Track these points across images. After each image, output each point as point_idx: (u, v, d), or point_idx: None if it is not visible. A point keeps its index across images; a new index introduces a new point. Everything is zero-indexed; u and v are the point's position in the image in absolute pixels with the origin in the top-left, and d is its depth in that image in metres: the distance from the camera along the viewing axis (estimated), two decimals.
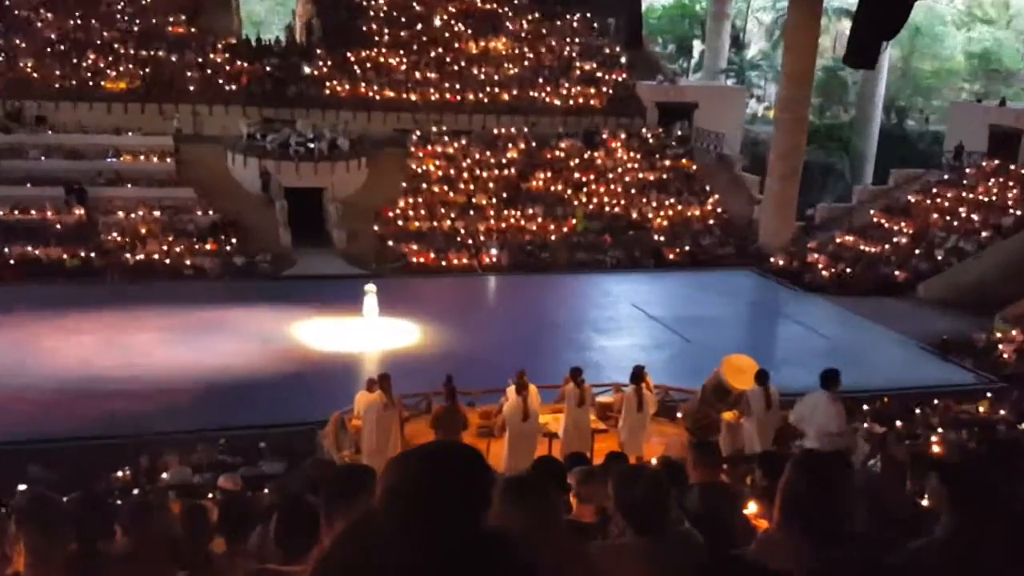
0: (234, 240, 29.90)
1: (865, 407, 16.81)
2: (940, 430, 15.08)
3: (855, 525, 5.01)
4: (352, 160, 33.99)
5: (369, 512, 1.54)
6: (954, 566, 2.90)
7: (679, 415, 15.15)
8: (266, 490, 11.42)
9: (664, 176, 37.33)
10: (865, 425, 15.52)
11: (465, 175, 35.38)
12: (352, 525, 1.54)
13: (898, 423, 15.39)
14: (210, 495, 9.94)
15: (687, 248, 32.99)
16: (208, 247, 29.43)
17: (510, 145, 37.23)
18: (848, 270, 30.33)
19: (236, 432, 16.39)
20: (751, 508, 4.05)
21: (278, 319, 23.91)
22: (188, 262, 28.69)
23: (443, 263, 30.60)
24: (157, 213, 30.42)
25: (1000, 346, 23.31)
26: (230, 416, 17.29)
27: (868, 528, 5.05)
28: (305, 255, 30.42)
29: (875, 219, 33.91)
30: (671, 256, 32.66)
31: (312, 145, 33.51)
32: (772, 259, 31.93)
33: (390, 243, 31.21)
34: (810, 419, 10.88)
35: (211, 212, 30.95)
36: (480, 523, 1.58)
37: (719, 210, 35.91)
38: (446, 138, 36.79)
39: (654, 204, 35.54)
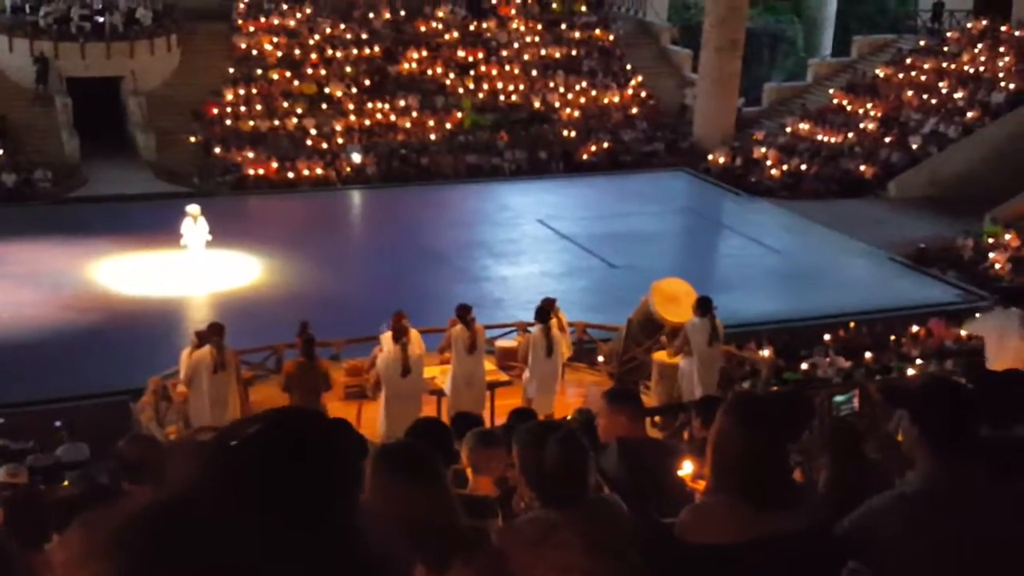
0: (0, 151, 28.93)
1: (827, 336, 17.55)
2: (920, 361, 15.92)
3: (827, 483, 5.28)
4: (158, 38, 33.03)
5: (188, 494, 1.55)
6: (927, 526, 3.08)
7: (600, 359, 15.50)
8: (66, 482, 11.28)
9: (573, 52, 37.41)
10: (828, 359, 16.21)
11: (313, 56, 34.75)
12: (167, 501, 1.56)
13: (868, 355, 16.12)
14: None
15: (605, 145, 33.33)
16: None
17: (371, 15, 36.62)
18: (803, 167, 31.23)
19: (19, 409, 16.00)
20: (687, 468, 4.22)
21: (67, 256, 23.28)
22: None
23: (289, 175, 30.17)
24: None
25: (991, 254, 24.43)
26: (10, 388, 16.86)
27: (832, 485, 5.34)
28: (100, 169, 29.63)
29: (835, 100, 34.86)
30: (585, 157, 32.94)
31: (102, 19, 32.38)
32: (710, 156, 32.57)
33: (217, 150, 30.62)
34: (996, 346, 10.13)
35: None
36: (335, 519, 1.61)
37: (643, 95, 36.29)
38: (285, 6, 36.01)
39: (561, 90, 35.65)
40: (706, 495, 3.28)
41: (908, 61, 35.39)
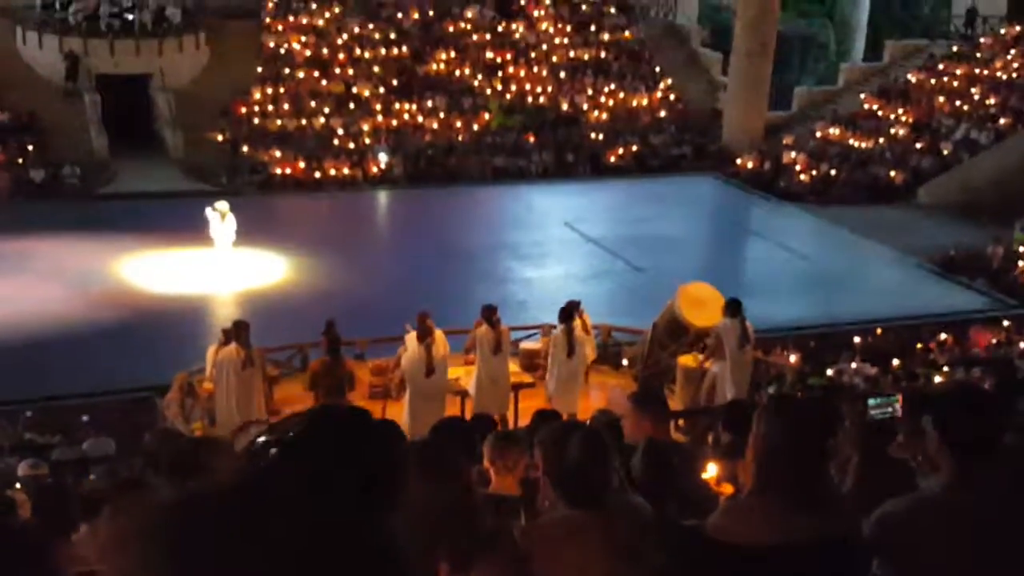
0: (30, 147, 29.10)
1: (857, 340, 17.47)
2: (945, 368, 15.82)
3: (855, 484, 5.30)
4: (187, 36, 33.18)
5: (237, 486, 1.60)
6: (945, 530, 3.11)
7: (625, 362, 15.49)
8: (91, 476, 11.38)
9: (602, 54, 37.38)
10: (854, 365, 16.15)
11: (341, 56, 34.86)
12: (214, 492, 1.60)
13: (894, 361, 16.04)
14: (17, 485, 9.85)
15: (633, 149, 33.28)
16: None
17: (399, 15, 36.70)
18: (832, 172, 31.08)
19: (46, 404, 16.13)
20: (711, 471, 4.25)
21: (95, 253, 23.42)
22: None
23: (317, 175, 30.28)
24: None
25: (1021, 263, 24.26)
26: (37, 383, 17.00)
27: (859, 486, 5.35)
28: (128, 166, 29.75)
29: (866, 105, 34.68)
30: (612, 160, 32.90)
31: (131, 16, 32.59)
32: (739, 161, 32.47)
33: (244, 149, 30.74)
34: None
35: None
36: (382, 528, 1.65)
37: (672, 98, 36.22)
38: (314, 5, 36.14)
39: (590, 92, 35.63)
40: (745, 496, 3.32)
41: (940, 67, 35.17)
